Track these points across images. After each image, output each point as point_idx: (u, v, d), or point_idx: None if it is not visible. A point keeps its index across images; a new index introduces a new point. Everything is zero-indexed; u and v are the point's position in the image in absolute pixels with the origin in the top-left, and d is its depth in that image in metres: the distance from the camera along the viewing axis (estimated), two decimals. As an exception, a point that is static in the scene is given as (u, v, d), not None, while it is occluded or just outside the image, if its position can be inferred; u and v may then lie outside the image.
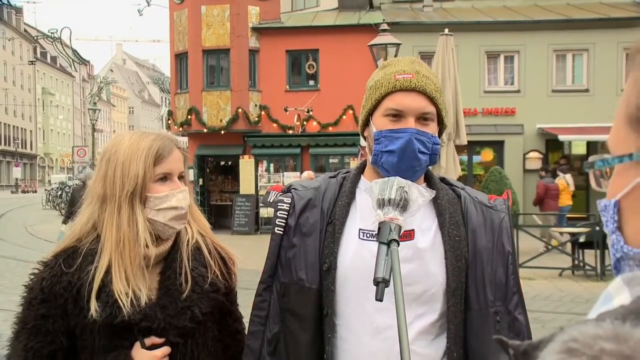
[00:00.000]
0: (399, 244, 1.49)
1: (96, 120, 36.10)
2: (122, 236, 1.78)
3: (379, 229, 1.53)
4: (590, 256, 11.34)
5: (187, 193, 1.90)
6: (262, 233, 19.51)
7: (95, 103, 37.27)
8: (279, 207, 1.89)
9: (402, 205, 1.56)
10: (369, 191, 1.63)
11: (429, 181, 1.85)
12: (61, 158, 74.27)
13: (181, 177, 1.91)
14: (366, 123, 1.84)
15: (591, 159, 0.75)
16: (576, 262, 11.61)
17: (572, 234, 11.84)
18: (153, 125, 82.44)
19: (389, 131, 1.73)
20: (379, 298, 1.43)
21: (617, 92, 20.28)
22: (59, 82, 77.15)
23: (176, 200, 1.85)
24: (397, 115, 1.73)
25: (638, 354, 0.47)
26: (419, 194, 1.60)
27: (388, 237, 1.49)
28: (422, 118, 1.74)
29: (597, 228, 11.11)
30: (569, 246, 11.78)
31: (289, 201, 1.88)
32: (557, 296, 9.73)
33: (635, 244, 0.69)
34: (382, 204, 1.56)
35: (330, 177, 1.94)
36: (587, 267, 11.37)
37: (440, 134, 1.81)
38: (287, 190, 1.93)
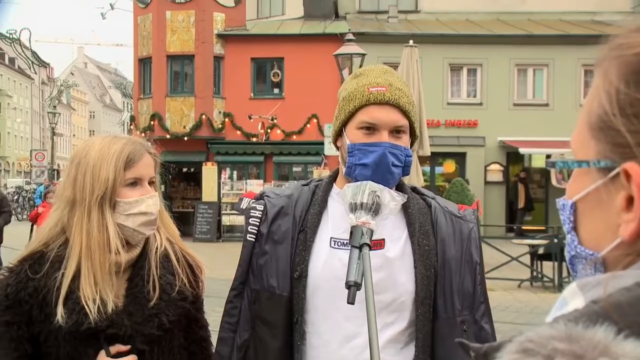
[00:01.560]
0: (370, 248, 1.51)
1: (56, 124, 35.43)
2: (92, 241, 1.77)
3: (351, 232, 1.55)
4: (548, 268, 11.52)
5: (157, 198, 1.88)
6: (224, 241, 19.41)
7: (55, 106, 36.60)
8: (251, 214, 1.89)
9: (375, 209, 1.58)
10: (342, 195, 1.65)
11: (401, 190, 1.86)
12: (18, 162, 72.58)
13: (152, 182, 1.89)
14: (339, 133, 1.84)
15: (553, 158, 0.79)
16: (534, 273, 11.79)
17: (531, 246, 12.01)
18: (114, 130, 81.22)
19: (363, 144, 1.74)
20: (351, 301, 1.44)
21: (575, 107, 20.72)
22: (17, 84, 75.51)
23: (146, 205, 1.83)
24: (371, 128, 1.75)
25: (589, 353, 0.50)
26: (391, 198, 1.63)
27: (360, 241, 1.51)
28: (395, 131, 1.76)
29: (555, 240, 11.31)
30: (527, 258, 11.94)
31: (262, 208, 1.88)
32: (516, 307, 9.85)
33: (588, 244, 0.73)
34: (354, 208, 1.59)
35: (303, 185, 1.95)
36: (545, 279, 11.55)
37: (412, 145, 1.83)
38: (260, 197, 1.93)
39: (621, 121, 0.65)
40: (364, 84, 1.79)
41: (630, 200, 0.65)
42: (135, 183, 1.84)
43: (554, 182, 0.81)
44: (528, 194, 21.41)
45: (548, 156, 21.19)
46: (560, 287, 11.07)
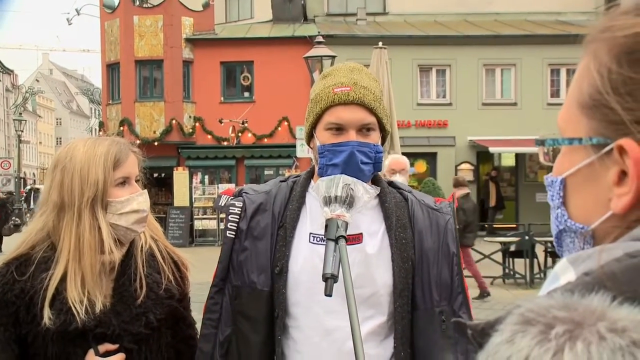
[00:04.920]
0: (346, 240, 1.54)
1: (22, 132, 34.84)
2: (82, 243, 1.78)
3: (326, 225, 1.58)
4: (520, 265, 11.66)
5: (147, 195, 1.91)
6: (197, 245, 19.29)
7: (20, 114, 35.99)
8: (230, 210, 1.90)
9: (349, 202, 1.61)
10: (316, 189, 1.69)
11: (377, 185, 1.89)
12: (-16, 171, 71.24)
13: (137, 180, 1.92)
14: (311, 135, 1.87)
15: (542, 136, 0.82)
16: (507, 270, 11.92)
17: (503, 244, 12.15)
18: (82, 137, 79.84)
19: (331, 145, 1.77)
20: (328, 293, 1.46)
21: (543, 105, 21.06)
22: (-19, 91, 74.02)
23: (137, 203, 1.86)
24: (338, 128, 1.77)
25: (587, 319, 0.53)
26: (364, 191, 1.66)
27: (336, 234, 1.54)
28: (363, 129, 1.78)
29: (527, 237, 11.45)
30: (499, 255, 12.08)
31: (241, 205, 1.90)
32: (489, 304, 9.95)
33: (577, 218, 0.76)
34: (328, 201, 1.62)
35: (281, 181, 1.98)
36: (517, 276, 11.69)
37: (383, 141, 1.85)
38: (239, 194, 1.95)
39: (615, 99, 0.68)
40: (329, 84, 1.81)
41: (622, 175, 0.69)
42: (124, 182, 1.86)
43: (541, 159, 0.84)
44: (499, 192, 21.65)
45: (517, 155, 21.50)
46: (532, 283, 11.23)
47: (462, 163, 21.54)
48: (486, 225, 19.20)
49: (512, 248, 11.91)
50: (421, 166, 22.00)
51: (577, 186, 0.76)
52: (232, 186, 19.58)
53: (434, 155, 21.56)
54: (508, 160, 22.67)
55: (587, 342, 0.50)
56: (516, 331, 0.54)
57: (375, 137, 1.80)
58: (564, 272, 0.68)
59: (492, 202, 21.44)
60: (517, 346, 0.53)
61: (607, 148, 0.70)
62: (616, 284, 0.59)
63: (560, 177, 0.78)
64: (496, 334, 0.57)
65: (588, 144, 0.72)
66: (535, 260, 11.52)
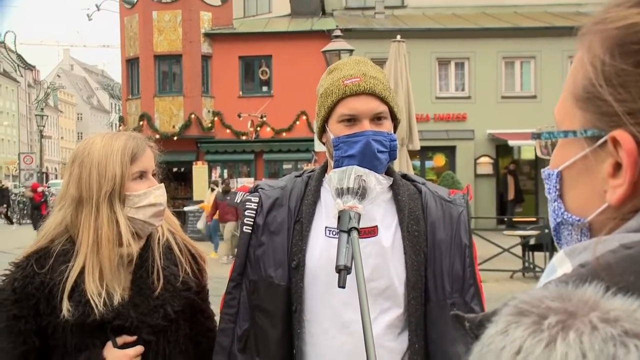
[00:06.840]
0: (359, 232, 1.54)
1: (43, 127, 35.24)
2: (100, 237, 1.80)
3: (339, 217, 1.58)
4: (539, 258, 11.58)
5: (164, 189, 1.94)
6: (216, 239, 19.34)
7: (42, 109, 36.41)
8: (247, 206, 1.92)
9: (361, 193, 1.61)
10: (328, 181, 1.69)
11: (390, 177, 1.88)
12: (6, 165, 72.03)
13: (154, 174, 1.94)
14: (323, 130, 1.88)
15: (539, 129, 0.82)
16: (526, 264, 11.85)
17: (523, 237, 12.07)
18: (103, 131, 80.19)
19: (346, 136, 1.77)
20: (342, 285, 1.47)
21: (563, 98, 20.84)
22: (2, 87, 74.85)
23: (154, 197, 1.89)
24: (351, 119, 1.78)
25: (580, 309, 0.53)
26: (377, 181, 1.66)
27: (348, 225, 1.54)
28: (375, 118, 1.79)
29: (546, 231, 11.36)
30: (519, 249, 12.00)
31: (257, 200, 1.91)
32: (507, 299, 9.90)
33: (574, 211, 0.77)
34: (341, 192, 1.62)
35: (296, 176, 1.99)
36: (536, 269, 11.62)
37: (395, 129, 1.86)
38: (254, 189, 1.96)
39: (608, 91, 0.68)
40: (339, 77, 1.82)
41: (616, 167, 0.68)
42: (141, 176, 1.89)
43: (538, 153, 0.84)
44: (518, 185, 21.49)
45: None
46: (551, 278, 11.13)
47: (481, 156, 21.41)
48: (505, 219, 19.09)
49: (532, 241, 11.82)
50: (440, 160, 21.92)
51: (573, 179, 0.76)
52: (250, 180, 19.66)
53: (453, 148, 21.45)
54: (528, 154, 22.49)
55: (580, 332, 0.50)
56: (510, 322, 0.55)
57: (388, 126, 1.81)
58: (560, 265, 0.69)
59: (511, 195, 21.28)
60: (511, 337, 0.53)
61: (601, 140, 0.70)
62: (610, 275, 0.60)
63: (556, 170, 0.78)
64: (491, 325, 0.57)
65: (583, 136, 0.72)
66: (555, 253, 11.41)
